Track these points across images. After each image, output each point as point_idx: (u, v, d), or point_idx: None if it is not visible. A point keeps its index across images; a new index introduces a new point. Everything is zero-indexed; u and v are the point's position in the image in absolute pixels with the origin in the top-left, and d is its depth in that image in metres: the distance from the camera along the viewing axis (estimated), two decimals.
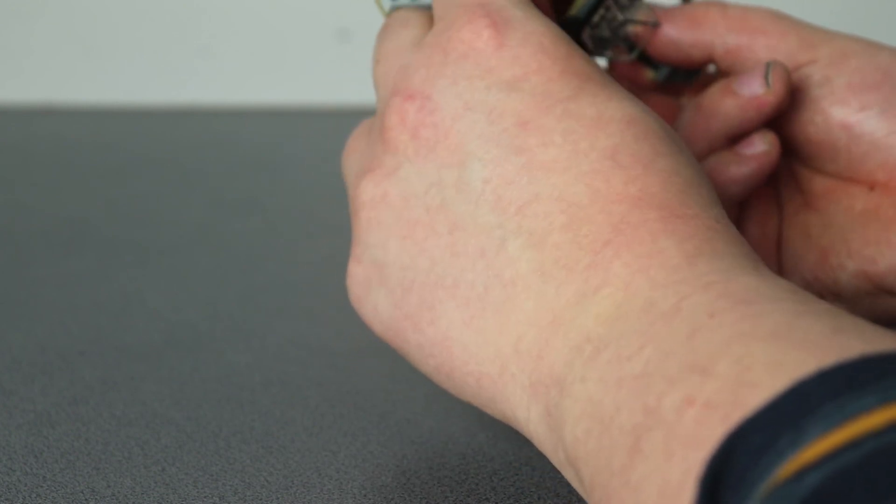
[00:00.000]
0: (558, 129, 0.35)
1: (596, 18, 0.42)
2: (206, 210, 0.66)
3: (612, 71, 0.46)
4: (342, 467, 0.40)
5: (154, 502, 0.38)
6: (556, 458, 0.32)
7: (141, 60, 0.87)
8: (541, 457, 0.40)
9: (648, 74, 0.45)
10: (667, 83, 0.45)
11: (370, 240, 0.37)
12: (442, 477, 0.39)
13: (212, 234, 0.62)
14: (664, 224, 0.33)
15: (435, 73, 0.36)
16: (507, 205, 0.34)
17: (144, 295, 0.54)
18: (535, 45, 0.36)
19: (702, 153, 0.42)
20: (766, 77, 0.41)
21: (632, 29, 0.43)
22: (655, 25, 0.43)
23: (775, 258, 0.44)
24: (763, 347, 0.27)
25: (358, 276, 0.38)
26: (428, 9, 0.40)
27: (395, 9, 0.40)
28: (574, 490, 0.38)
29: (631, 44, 0.43)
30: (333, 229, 0.62)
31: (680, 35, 0.43)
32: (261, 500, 0.38)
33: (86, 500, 0.38)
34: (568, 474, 0.32)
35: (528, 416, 0.33)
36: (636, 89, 0.46)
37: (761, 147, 0.42)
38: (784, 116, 0.42)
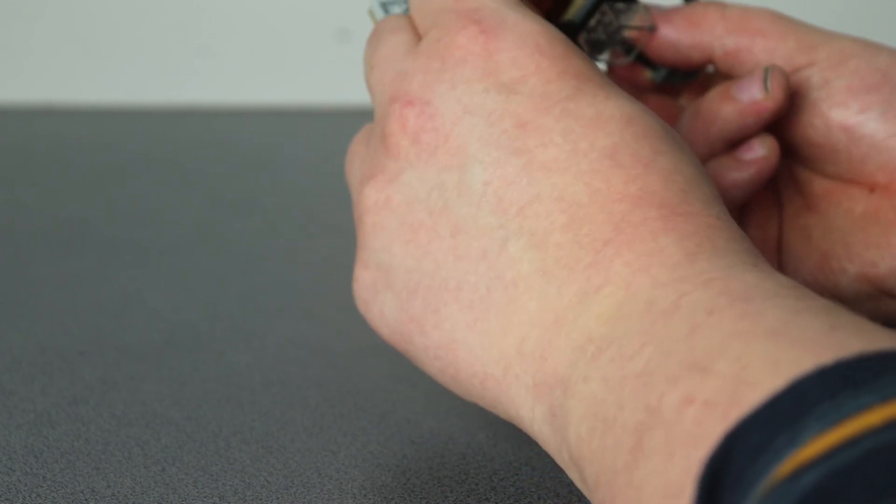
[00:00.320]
0: (557, 129, 0.35)
1: (592, 23, 0.42)
2: (206, 210, 0.66)
3: (611, 72, 0.46)
4: (342, 467, 0.40)
5: (154, 502, 0.38)
6: (561, 459, 0.32)
7: (141, 60, 0.87)
8: (541, 457, 0.40)
9: (647, 75, 0.45)
10: (665, 84, 0.45)
11: (375, 244, 0.37)
12: (442, 477, 0.39)
13: (212, 234, 0.62)
14: (665, 222, 0.33)
15: (433, 79, 0.36)
16: (507, 206, 0.34)
17: (144, 295, 0.54)
18: (531, 46, 0.36)
19: (701, 158, 0.42)
20: (764, 82, 0.41)
21: (628, 33, 0.43)
22: (652, 29, 0.43)
23: (776, 261, 0.44)
24: (761, 345, 0.27)
25: (364, 280, 0.38)
26: None
27: (386, 16, 0.41)
28: (574, 490, 0.38)
29: (628, 47, 0.43)
30: (333, 229, 0.62)
31: (679, 37, 0.43)
32: (261, 500, 0.38)
33: (86, 500, 0.38)
34: (572, 474, 0.32)
35: (532, 417, 0.33)
36: (634, 90, 0.46)
37: (761, 152, 0.42)
38: (784, 119, 0.42)
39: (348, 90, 0.85)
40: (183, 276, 0.56)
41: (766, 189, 0.44)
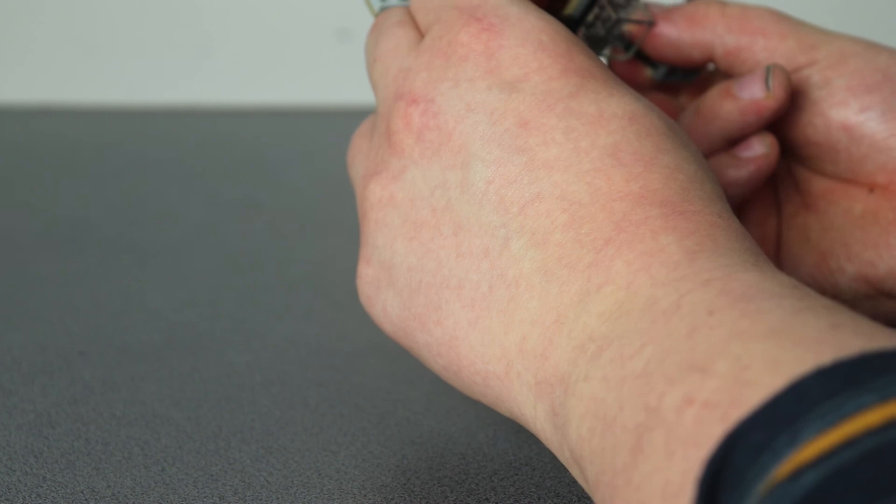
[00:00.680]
0: (559, 127, 0.35)
1: (591, 17, 0.42)
2: (206, 210, 0.66)
3: (611, 69, 0.46)
4: (342, 467, 0.40)
5: (154, 502, 0.38)
6: (562, 456, 0.32)
7: (141, 60, 0.87)
8: (541, 457, 0.40)
9: (646, 73, 0.45)
10: (665, 82, 0.45)
11: (378, 241, 0.37)
12: (442, 477, 0.39)
13: (212, 234, 0.62)
14: (666, 221, 0.33)
15: (437, 77, 0.36)
16: (509, 205, 0.34)
17: (144, 295, 0.54)
18: (534, 44, 0.36)
19: None
20: (766, 81, 0.41)
21: (627, 28, 0.43)
22: (651, 24, 0.43)
23: (774, 261, 0.44)
24: (761, 345, 0.27)
25: (367, 276, 0.38)
26: None
27: (385, 8, 0.40)
28: (574, 490, 0.38)
29: (627, 42, 0.43)
30: (333, 229, 0.62)
31: (679, 35, 0.43)
32: (261, 500, 0.38)
33: (86, 500, 0.38)
34: (574, 472, 0.32)
35: (534, 415, 0.33)
36: (634, 88, 0.45)
37: (760, 150, 0.42)
38: (784, 118, 0.42)
39: (348, 90, 0.85)
40: (183, 276, 0.56)
41: (765, 188, 0.44)
